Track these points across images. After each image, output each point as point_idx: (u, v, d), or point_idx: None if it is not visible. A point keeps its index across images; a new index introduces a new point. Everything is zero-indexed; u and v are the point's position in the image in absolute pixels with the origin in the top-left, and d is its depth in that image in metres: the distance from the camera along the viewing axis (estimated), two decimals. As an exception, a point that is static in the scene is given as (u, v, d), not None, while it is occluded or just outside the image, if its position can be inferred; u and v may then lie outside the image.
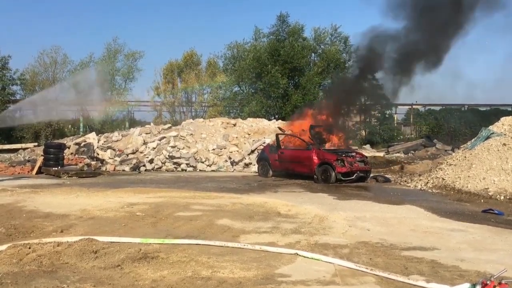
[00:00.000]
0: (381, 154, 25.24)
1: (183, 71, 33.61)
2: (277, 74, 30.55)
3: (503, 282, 4.23)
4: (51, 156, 16.81)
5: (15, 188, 12.08)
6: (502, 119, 14.51)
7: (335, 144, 16.32)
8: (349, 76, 18.67)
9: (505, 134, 13.34)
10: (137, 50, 32.84)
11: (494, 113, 29.67)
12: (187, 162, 19.01)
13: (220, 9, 77.78)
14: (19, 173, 16.93)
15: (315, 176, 14.59)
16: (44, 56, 30.77)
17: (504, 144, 12.63)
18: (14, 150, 22.18)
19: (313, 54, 34.12)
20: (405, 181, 14.73)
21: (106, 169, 18.07)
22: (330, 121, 17.13)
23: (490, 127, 14.28)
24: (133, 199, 10.32)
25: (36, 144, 23.34)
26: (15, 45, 61.16)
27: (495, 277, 4.28)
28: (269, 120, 25.83)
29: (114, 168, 18.39)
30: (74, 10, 70.50)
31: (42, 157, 17.12)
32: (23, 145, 22.86)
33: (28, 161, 18.93)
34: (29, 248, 5.62)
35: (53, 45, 39.05)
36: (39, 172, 16.70)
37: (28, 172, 17.02)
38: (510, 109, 32.89)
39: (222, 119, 23.69)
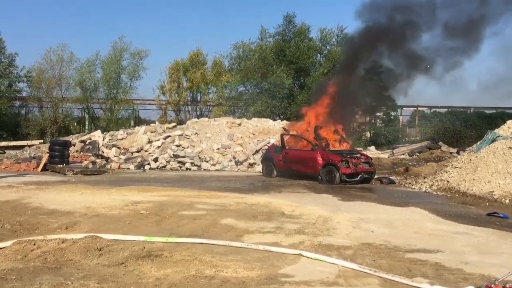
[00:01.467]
0: (386, 155, 25.19)
1: (189, 70, 33.65)
2: (282, 74, 30.55)
3: (507, 285, 4.22)
4: (57, 153, 16.89)
5: (21, 185, 12.14)
6: (508, 122, 14.47)
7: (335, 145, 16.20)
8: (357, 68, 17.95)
9: (511, 138, 13.29)
10: (143, 49, 33.05)
11: (500, 116, 29.57)
12: (192, 161, 19.04)
13: (227, 9, 77.96)
14: (24, 169, 17.00)
15: (319, 177, 14.57)
16: (50, 53, 31.04)
17: (510, 148, 12.57)
18: (20, 147, 22.34)
19: (318, 55, 34.13)
20: (410, 183, 14.67)
21: (111, 167, 18.12)
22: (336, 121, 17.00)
23: (496, 130, 14.24)
24: (137, 197, 10.35)
25: (41, 141, 23.51)
26: (22, 43, 61.62)
27: (499, 280, 4.27)
28: (274, 120, 25.82)
29: (119, 166, 18.44)
30: (80, 8, 70.87)
31: (48, 154, 17.19)
32: (29, 142, 23.02)
33: (34, 158, 19.02)
34: (34, 244, 5.65)
35: (59, 43, 39.34)
36: (44, 169, 16.76)
37: (34, 169, 17.09)
38: (516, 112, 32.72)
39: (227, 119, 23.71)
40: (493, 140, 13.58)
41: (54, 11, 70.16)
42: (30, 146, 22.38)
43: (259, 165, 18.20)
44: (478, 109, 35.32)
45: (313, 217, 8.47)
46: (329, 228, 7.56)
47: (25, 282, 4.53)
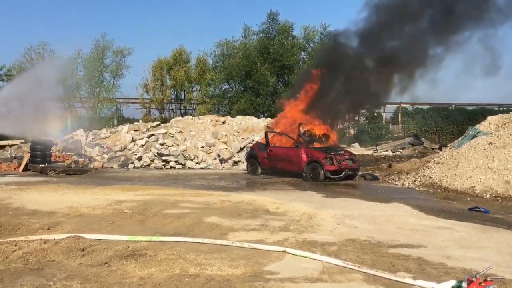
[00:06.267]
0: (370, 152, 25.39)
1: (172, 68, 33.39)
2: (266, 72, 30.59)
3: (488, 279, 4.27)
4: (38, 153, 16.64)
5: (1, 185, 11.94)
6: (489, 118, 14.71)
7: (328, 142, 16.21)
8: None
9: (491, 133, 13.51)
10: (126, 47, 32.69)
11: (481, 112, 30.02)
12: (176, 159, 18.95)
13: (210, 6, 77.61)
14: (5, 170, 16.73)
15: (303, 174, 14.62)
16: (31, 52, 30.53)
17: (491, 143, 12.77)
18: (1, 147, 21.90)
19: (302, 53, 34.19)
20: (393, 179, 14.82)
21: (94, 166, 17.94)
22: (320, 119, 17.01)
23: (477, 126, 14.48)
24: (121, 196, 10.27)
25: (23, 140, 23.07)
26: (1, 41, 60.40)
27: (480, 274, 4.32)
28: (258, 118, 25.83)
29: (102, 165, 18.26)
30: (62, 5, 69.82)
31: (29, 154, 16.94)
32: (10, 142, 22.57)
33: (15, 158, 18.71)
34: (15, 245, 5.57)
35: (40, 41, 38.64)
36: (25, 169, 16.52)
37: (15, 169, 16.83)
38: (496, 108, 33.22)
39: (211, 117, 23.62)
40: (474, 136, 13.80)
41: (34, 9, 69.00)
42: (11, 146, 21.98)
43: (243, 163, 18.19)
44: (459, 105, 35.78)
45: (298, 214, 8.50)
46: (314, 225, 7.60)
47: (6, 283, 4.45)
